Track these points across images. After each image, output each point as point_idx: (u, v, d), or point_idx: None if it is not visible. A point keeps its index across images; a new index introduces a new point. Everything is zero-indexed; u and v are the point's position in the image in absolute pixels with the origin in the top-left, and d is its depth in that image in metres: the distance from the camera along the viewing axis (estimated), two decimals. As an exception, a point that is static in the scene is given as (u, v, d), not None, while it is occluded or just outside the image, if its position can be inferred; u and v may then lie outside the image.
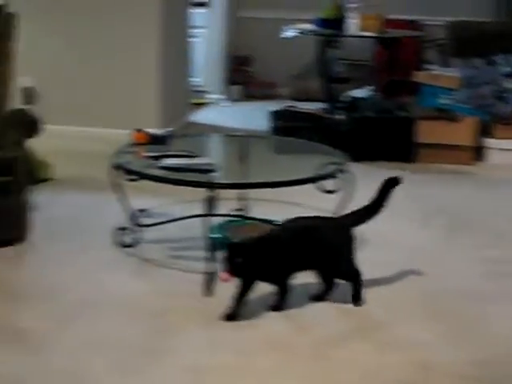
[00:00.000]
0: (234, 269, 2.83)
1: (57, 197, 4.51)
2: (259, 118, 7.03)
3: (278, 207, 4.28)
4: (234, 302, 2.90)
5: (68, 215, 4.17)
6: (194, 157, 3.51)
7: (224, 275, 2.84)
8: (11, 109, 3.83)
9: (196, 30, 7.43)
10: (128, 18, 5.99)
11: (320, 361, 2.65)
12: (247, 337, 2.79)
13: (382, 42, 6.63)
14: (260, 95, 8.78)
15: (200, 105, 7.89)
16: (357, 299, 3.08)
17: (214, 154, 4.23)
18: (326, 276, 3.09)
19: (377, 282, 3.28)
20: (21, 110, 3.75)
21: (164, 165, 3.35)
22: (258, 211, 4.04)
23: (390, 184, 3.14)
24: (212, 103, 8.20)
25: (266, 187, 3.42)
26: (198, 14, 7.64)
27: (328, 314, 3.01)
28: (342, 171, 3.49)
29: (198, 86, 8.01)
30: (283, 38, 6.51)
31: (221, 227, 3.65)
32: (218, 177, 3.32)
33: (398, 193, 3.18)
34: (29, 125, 3.66)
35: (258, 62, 8.68)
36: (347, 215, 3.21)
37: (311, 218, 3.18)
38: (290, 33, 6.39)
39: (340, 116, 6.12)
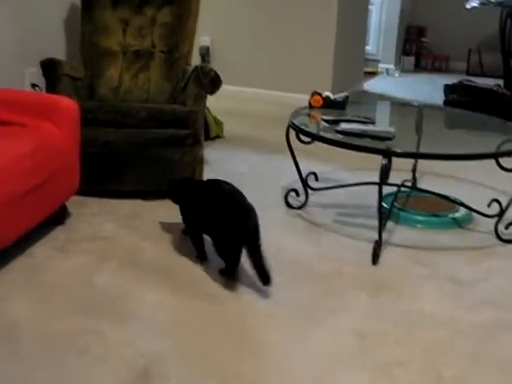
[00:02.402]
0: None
1: (229, 154, 4.63)
2: (431, 90, 6.89)
3: (449, 182, 4.19)
4: None
5: (239, 171, 4.26)
6: (371, 123, 3.46)
7: None
8: (195, 65, 3.94)
9: (372, -2, 7.33)
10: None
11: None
12: (407, 308, 2.74)
13: None
14: (432, 68, 8.59)
15: (372, 73, 7.81)
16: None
17: (389, 122, 4.17)
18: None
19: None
20: (204, 67, 3.84)
21: (341, 129, 3.33)
22: (429, 184, 3.97)
23: None
24: (384, 73, 8.10)
25: (445, 159, 3.33)
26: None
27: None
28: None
29: (370, 54, 7.92)
30: (466, 8, 6.28)
31: (392, 197, 3.60)
32: (395, 145, 3.26)
33: None
34: (210, 82, 3.75)
35: (434, 34, 8.48)
36: None
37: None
38: (472, 3, 6.15)
39: (519, 94, 5.88)
